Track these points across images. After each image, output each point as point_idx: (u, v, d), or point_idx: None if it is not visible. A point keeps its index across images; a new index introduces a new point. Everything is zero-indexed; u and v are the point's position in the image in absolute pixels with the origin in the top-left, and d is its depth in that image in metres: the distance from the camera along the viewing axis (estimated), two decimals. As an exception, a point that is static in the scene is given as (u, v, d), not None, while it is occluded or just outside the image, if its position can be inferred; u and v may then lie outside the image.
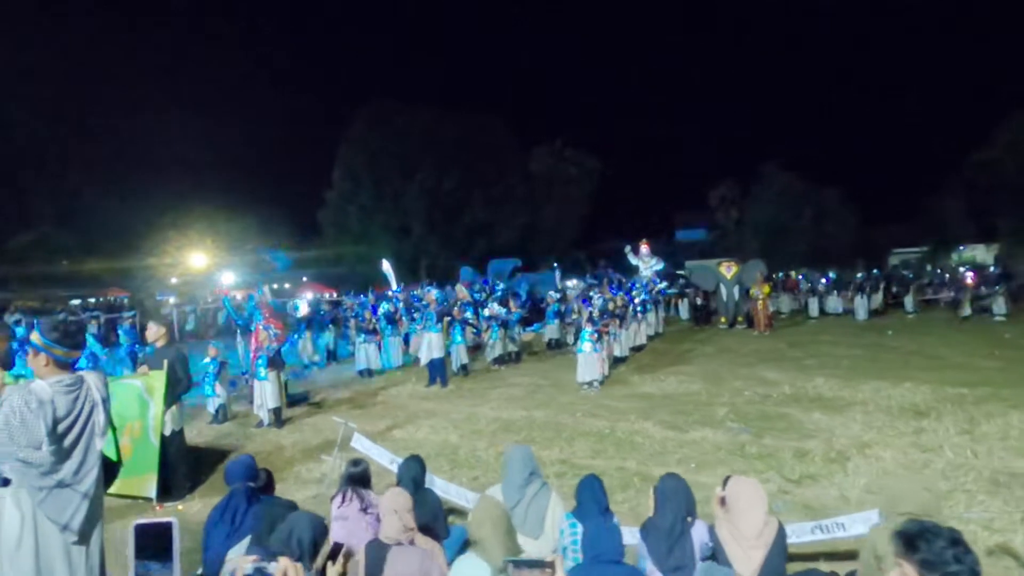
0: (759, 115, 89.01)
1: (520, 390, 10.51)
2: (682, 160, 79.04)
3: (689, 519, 3.27)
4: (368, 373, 12.36)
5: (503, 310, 13.39)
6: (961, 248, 42.35)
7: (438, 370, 10.84)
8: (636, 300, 14.49)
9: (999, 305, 17.35)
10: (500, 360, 12.96)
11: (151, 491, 5.56)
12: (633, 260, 20.92)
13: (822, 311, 21.80)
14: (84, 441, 2.92)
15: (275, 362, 8.49)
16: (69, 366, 2.97)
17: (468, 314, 12.93)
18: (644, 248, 20.96)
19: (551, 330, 15.63)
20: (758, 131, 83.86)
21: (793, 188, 41.46)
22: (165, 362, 5.82)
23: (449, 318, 11.83)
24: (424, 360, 10.81)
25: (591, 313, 10.54)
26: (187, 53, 66.48)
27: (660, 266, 20.92)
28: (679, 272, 29.41)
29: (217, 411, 8.98)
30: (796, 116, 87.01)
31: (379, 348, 12.79)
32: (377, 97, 38.90)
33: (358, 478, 4.15)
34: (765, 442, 6.85)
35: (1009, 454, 6.09)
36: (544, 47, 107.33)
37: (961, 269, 32.82)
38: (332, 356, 14.48)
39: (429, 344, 10.70)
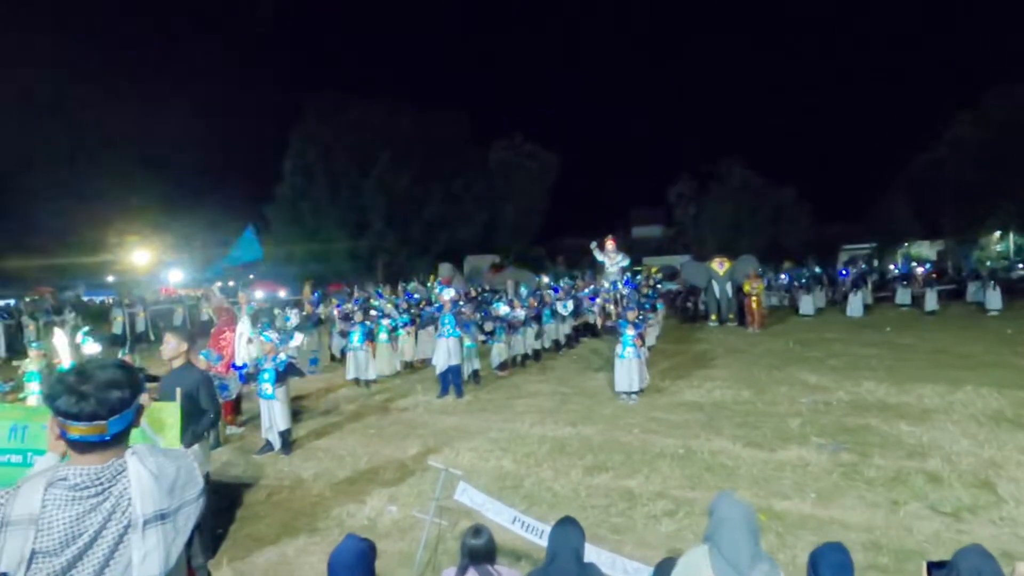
0: (716, 114, 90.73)
1: (547, 400, 9.45)
2: (639, 157, 79.69)
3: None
4: (364, 383, 11.01)
5: (509, 311, 12.33)
6: (905, 244, 43.71)
7: (455, 379, 9.67)
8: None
9: (994, 300, 17.35)
10: (503, 366, 11.91)
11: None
12: (599, 257, 20.17)
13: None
14: None
15: (284, 376, 7.18)
16: (98, 447, 1.58)
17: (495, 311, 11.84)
18: (610, 244, 20.20)
19: (550, 331, 14.66)
20: (715, 130, 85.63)
21: (750, 185, 41.81)
22: (179, 390, 4.38)
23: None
24: (441, 367, 9.59)
25: (629, 314, 9.54)
26: (126, 45, 62.01)
27: (626, 262, 20.30)
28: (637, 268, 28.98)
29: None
30: (753, 116, 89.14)
31: (372, 354, 11.44)
32: (329, 91, 37.05)
33: (483, 553, 3.08)
34: (875, 462, 6.04)
35: None
36: (503, 42, 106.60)
37: (914, 264, 33.78)
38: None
39: (448, 350, 9.48)
